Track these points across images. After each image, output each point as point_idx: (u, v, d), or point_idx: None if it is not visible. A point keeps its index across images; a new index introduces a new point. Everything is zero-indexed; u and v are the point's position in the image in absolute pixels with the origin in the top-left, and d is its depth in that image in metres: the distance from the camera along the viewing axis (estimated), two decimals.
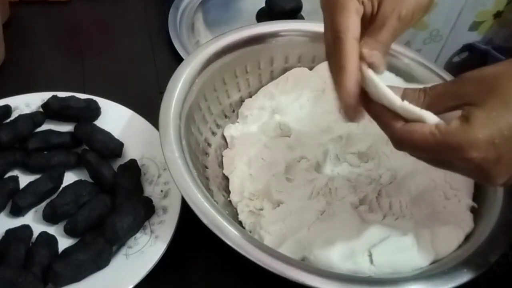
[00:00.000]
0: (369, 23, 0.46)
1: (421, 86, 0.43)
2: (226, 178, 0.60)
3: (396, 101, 0.40)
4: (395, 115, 0.41)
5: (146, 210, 0.55)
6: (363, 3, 0.45)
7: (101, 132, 0.61)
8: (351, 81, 0.42)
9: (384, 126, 0.42)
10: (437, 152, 0.40)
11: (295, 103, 0.63)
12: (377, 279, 0.50)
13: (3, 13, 0.75)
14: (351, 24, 0.44)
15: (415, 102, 0.41)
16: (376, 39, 0.44)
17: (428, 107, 0.41)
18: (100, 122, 0.63)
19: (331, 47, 0.44)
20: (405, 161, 0.58)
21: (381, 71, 0.43)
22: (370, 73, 0.42)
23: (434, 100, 0.41)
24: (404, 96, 0.41)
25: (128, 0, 0.85)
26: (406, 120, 0.41)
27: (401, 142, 0.41)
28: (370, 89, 0.42)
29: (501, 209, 0.54)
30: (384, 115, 0.42)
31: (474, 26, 0.88)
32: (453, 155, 0.39)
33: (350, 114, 0.43)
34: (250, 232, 0.55)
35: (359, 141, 0.60)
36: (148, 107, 0.63)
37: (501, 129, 0.38)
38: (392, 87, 0.42)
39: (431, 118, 0.40)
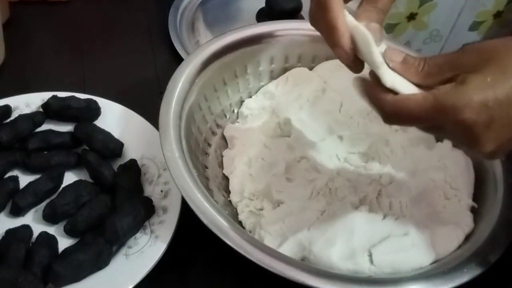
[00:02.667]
0: None
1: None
2: (226, 178, 0.60)
3: (386, 78, 0.41)
4: (385, 89, 0.41)
5: (146, 210, 0.55)
6: None
7: (101, 132, 0.61)
8: (345, 39, 0.43)
9: (374, 101, 0.42)
10: (430, 116, 0.40)
11: (295, 103, 0.63)
12: (377, 279, 0.50)
13: (3, 13, 0.75)
14: None
15: (414, 69, 0.42)
16: (375, 5, 0.45)
17: (426, 76, 0.41)
18: (100, 122, 0.63)
19: (317, 5, 0.45)
20: (405, 161, 0.59)
21: (379, 44, 0.43)
22: (367, 36, 0.42)
23: (433, 70, 0.41)
24: (404, 62, 0.42)
25: (128, 0, 0.85)
26: (395, 93, 0.41)
27: (394, 113, 0.41)
28: (364, 53, 0.43)
29: (501, 209, 0.54)
30: (374, 91, 0.42)
31: (474, 26, 0.88)
32: (445, 117, 0.39)
33: (351, 68, 0.45)
34: (250, 232, 0.55)
35: (359, 141, 0.60)
36: (148, 107, 0.63)
37: (496, 94, 0.38)
38: (392, 50, 0.42)
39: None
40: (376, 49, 0.42)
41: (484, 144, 0.39)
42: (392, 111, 0.41)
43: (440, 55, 0.42)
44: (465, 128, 0.39)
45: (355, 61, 0.44)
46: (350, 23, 0.44)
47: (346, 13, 0.44)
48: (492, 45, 0.40)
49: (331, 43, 0.44)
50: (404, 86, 0.41)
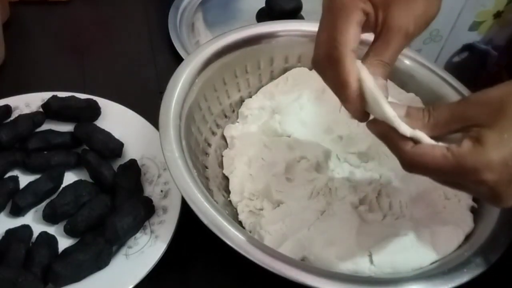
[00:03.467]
0: (372, 31, 0.45)
1: (421, 106, 0.43)
2: (226, 178, 0.60)
3: (404, 129, 0.40)
4: (403, 136, 0.40)
5: (146, 210, 0.55)
6: (367, 14, 0.44)
7: (101, 132, 0.61)
8: (357, 96, 0.42)
9: (393, 147, 0.42)
10: (450, 175, 0.39)
11: (295, 103, 0.63)
12: (377, 279, 0.50)
13: (3, 13, 0.75)
14: (352, 36, 0.43)
15: (420, 121, 0.41)
16: (381, 59, 0.43)
17: (433, 128, 0.40)
18: (100, 122, 0.63)
19: (326, 53, 0.43)
20: None
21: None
22: (376, 94, 0.41)
23: (440, 122, 0.41)
24: (407, 115, 0.41)
25: (128, 0, 0.85)
26: (415, 141, 0.40)
27: (412, 165, 0.41)
28: (373, 108, 0.42)
29: (501, 209, 0.54)
30: (392, 136, 0.41)
31: (474, 26, 0.88)
32: (466, 178, 0.39)
33: (358, 119, 0.44)
34: (250, 232, 0.55)
35: (359, 141, 0.60)
36: (148, 107, 0.63)
37: None
38: (394, 105, 0.41)
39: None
40: (387, 104, 0.41)
41: (507, 200, 0.39)
42: (411, 163, 0.40)
43: (445, 107, 0.41)
44: (488, 188, 0.38)
45: (364, 115, 0.43)
46: (362, 78, 0.42)
47: (358, 62, 0.43)
48: (497, 95, 0.39)
49: (341, 97, 0.43)
50: (425, 135, 0.40)
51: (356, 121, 0.61)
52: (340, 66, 0.42)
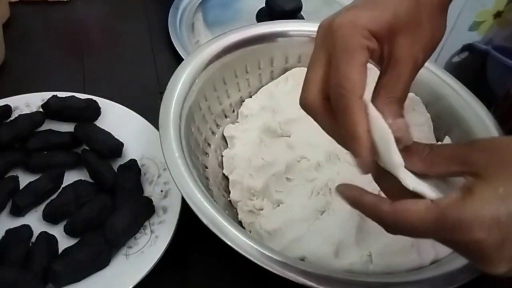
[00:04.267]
0: (377, 65, 0.41)
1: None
2: (226, 178, 0.60)
3: (408, 181, 0.38)
4: (380, 198, 0.38)
5: (146, 210, 0.55)
6: (372, 51, 0.40)
7: (101, 132, 0.61)
8: (368, 150, 0.38)
9: (369, 211, 0.39)
10: (434, 231, 0.36)
11: (295, 103, 0.63)
12: (376, 279, 0.50)
13: (3, 13, 0.75)
14: (360, 82, 0.38)
15: (417, 156, 0.38)
16: (394, 95, 0.40)
17: (430, 165, 0.38)
18: (100, 122, 0.63)
19: (322, 98, 0.40)
20: None
21: (409, 143, 0.39)
22: (390, 137, 0.38)
23: (438, 160, 0.38)
24: (408, 149, 0.39)
25: (128, 0, 0.85)
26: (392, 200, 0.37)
27: (396, 224, 0.37)
28: (379, 150, 0.39)
29: None
30: (366, 199, 0.38)
31: (474, 26, 0.88)
32: (451, 233, 0.35)
33: (366, 172, 0.40)
34: (250, 232, 0.55)
35: None
36: (148, 107, 0.63)
37: (509, 208, 0.33)
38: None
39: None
40: (396, 149, 0.38)
41: (496, 265, 0.35)
42: (394, 221, 0.37)
43: (448, 146, 0.39)
44: (475, 247, 0.34)
45: (372, 167, 0.39)
46: (371, 116, 0.38)
47: (368, 104, 0.38)
48: (505, 145, 0.36)
49: (351, 150, 0.39)
50: (429, 189, 0.37)
51: None
52: (349, 117, 0.38)
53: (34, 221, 0.56)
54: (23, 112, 0.62)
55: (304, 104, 0.41)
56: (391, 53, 0.41)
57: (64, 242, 0.54)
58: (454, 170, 0.37)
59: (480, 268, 0.36)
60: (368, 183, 0.57)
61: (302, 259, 0.51)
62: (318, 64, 0.40)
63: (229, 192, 0.58)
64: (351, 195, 0.40)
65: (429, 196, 0.37)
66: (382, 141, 0.38)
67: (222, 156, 0.61)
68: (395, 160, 0.38)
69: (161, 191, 0.58)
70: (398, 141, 0.38)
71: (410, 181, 0.38)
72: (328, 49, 0.39)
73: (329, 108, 0.40)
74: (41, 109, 0.63)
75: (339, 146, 0.60)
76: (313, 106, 0.40)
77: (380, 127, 0.38)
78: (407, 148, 0.39)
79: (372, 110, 0.38)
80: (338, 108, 0.38)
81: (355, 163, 0.39)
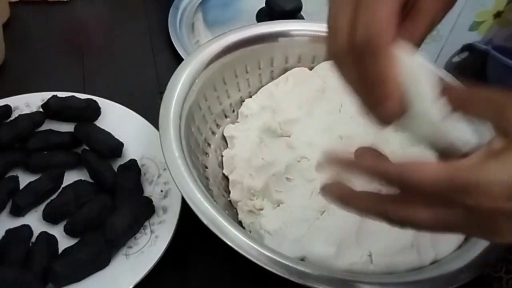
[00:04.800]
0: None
1: None
2: (226, 178, 0.60)
3: (433, 112, 0.35)
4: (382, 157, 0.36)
5: (146, 210, 0.55)
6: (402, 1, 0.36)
7: (101, 132, 0.61)
8: (400, 93, 0.35)
9: (371, 169, 0.36)
10: (447, 191, 0.33)
11: (295, 103, 0.63)
12: (377, 279, 0.50)
13: (3, 13, 0.75)
14: (390, 25, 0.35)
15: (451, 92, 0.36)
16: (412, 40, 0.38)
17: (463, 102, 0.35)
18: (100, 122, 0.63)
19: (352, 43, 0.36)
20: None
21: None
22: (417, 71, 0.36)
23: (473, 98, 0.35)
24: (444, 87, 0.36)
25: (128, 0, 0.85)
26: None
27: (400, 181, 0.35)
28: (410, 90, 0.36)
29: None
30: (370, 155, 0.36)
31: (474, 26, 0.88)
32: (465, 196, 0.32)
33: (395, 116, 0.37)
34: (250, 232, 0.55)
35: (359, 141, 0.60)
36: (148, 107, 0.63)
37: None
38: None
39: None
40: (428, 84, 0.35)
41: (505, 235, 0.33)
42: (398, 178, 0.35)
43: (487, 88, 0.36)
44: (487, 214, 0.32)
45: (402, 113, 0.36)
46: (404, 61, 0.36)
47: (401, 49, 0.36)
48: None
49: (379, 96, 0.35)
50: (469, 132, 0.35)
51: (356, 121, 0.62)
52: (378, 61, 0.35)
53: (34, 221, 0.56)
54: (23, 112, 0.62)
55: (331, 51, 0.38)
56: (414, 3, 0.39)
57: (64, 242, 0.54)
58: (485, 116, 0.35)
59: (483, 237, 0.35)
60: (368, 183, 0.57)
61: (302, 259, 0.51)
62: (345, 7, 0.37)
63: (229, 192, 0.58)
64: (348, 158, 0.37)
65: (468, 140, 0.34)
66: (417, 85, 0.35)
67: (222, 156, 0.61)
68: (427, 95, 0.35)
69: (161, 191, 0.58)
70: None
71: (437, 115, 0.35)
72: None
73: (357, 56, 0.36)
74: (41, 109, 0.63)
75: (339, 146, 0.60)
76: (341, 53, 0.37)
77: (416, 70, 0.36)
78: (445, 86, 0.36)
79: (406, 53, 0.36)
80: (366, 52, 0.35)
81: (377, 116, 0.36)
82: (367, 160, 0.37)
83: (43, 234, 0.53)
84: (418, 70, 0.36)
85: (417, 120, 0.36)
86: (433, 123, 0.36)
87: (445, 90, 0.36)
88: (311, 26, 0.67)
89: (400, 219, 0.36)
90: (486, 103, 0.35)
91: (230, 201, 0.58)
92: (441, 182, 0.33)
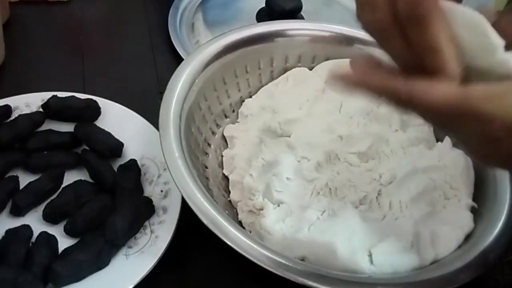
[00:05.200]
0: None
1: None
2: (226, 178, 0.60)
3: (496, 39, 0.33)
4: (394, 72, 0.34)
5: (146, 210, 0.55)
6: None
7: (101, 132, 0.61)
8: (454, 61, 0.33)
9: (383, 87, 0.35)
10: (458, 112, 0.32)
11: (295, 103, 0.63)
12: (377, 279, 0.50)
13: (3, 13, 0.75)
14: None
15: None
16: None
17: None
18: (100, 122, 0.63)
19: (394, 13, 0.33)
20: (405, 161, 0.58)
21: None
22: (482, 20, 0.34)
23: None
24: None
25: (128, 0, 0.85)
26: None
27: (409, 99, 0.33)
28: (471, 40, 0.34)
29: (507, 210, 0.54)
30: (376, 75, 0.35)
31: None
32: (473, 121, 0.32)
33: (455, 75, 0.34)
34: (250, 232, 0.55)
35: (359, 141, 0.60)
36: (148, 107, 0.63)
37: None
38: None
39: None
40: (493, 30, 0.33)
41: (509, 164, 0.33)
42: (407, 96, 0.33)
43: None
44: (498, 142, 0.32)
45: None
46: (453, 9, 0.34)
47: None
48: None
49: (434, 66, 0.34)
50: None
51: (356, 121, 0.62)
52: (427, 29, 0.33)
53: (34, 221, 0.56)
54: (23, 112, 0.62)
55: (374, 26, 0.35)
56: None
57: (64, 242, 0.54)
58: None
59: (485, 163, 0.34)
60: (368, 183, 0.57)
61: (302, 259, 0.51)
62: None
63: (229, 192, 0.58)
64: (356, 80, 0.35)
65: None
66: (473, 31, 0.34)
67: (222, 156, 0.61)
68: (494, 41, 0.33)
69: (161, 191, 0.58)
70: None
71: (499, 40, 0.33)
72: None
73: (403, 26, 0.34)
74: (41, 109, 0.63)
75: (339, 146, 0.60)
76: (384, 26, 0.35)
77: (469, 16, 0.34)
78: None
79: (451, 3, 0.34)
80: (413, 19, 0.33)
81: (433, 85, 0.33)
82: (376, 77, 0.35)
83: (43, 234, 0.53)
84: (476, 19, 0.34)
85: (483, 70, 0.35)
86: (496, 51, 0.34)
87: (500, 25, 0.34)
88: (311, 26, 0.67)
89: (411, 96, 0.34)
90: None
91: (230, 201, 0.58)
92: (451, 104, 0.32)
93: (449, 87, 0.33)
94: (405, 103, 0.34)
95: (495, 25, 0.34)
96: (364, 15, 0.36)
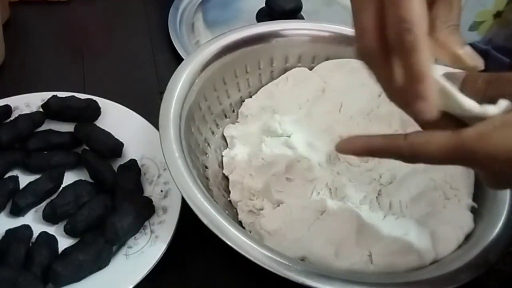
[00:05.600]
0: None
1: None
2: (226, 178, 0.60)
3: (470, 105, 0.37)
4: (390, 136, 0.38)
5: (146, 210, 0.55)
6: None
7: (101, 132, 0.61)
8: (434, 92, 0.35)
9: (384, 150, 0.38)
10: (453, 160, 0.36)
11: (295, 103, 0.63)
12: (377, 279, 0.50)
13: (3, 13, 0.75)
14: (424, 15, 0.34)
15: (471, 83, 0.37)
16: (452, 23, 0.37)
17: (488, 86, 0.37)
18: (100, 122, 0.63)
19: (382, 41, 0.35)
20: None
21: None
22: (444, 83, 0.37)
23: (497, 81, 0.37)
24: (464, 81, 0.38)
25: (128, 0, 0.85)
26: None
27: (413, 157, 0.37)
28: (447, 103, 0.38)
29: (507, 210, 0.53)
30: (377, 142, 0.38)
31: (474, 26, 0.87)
32: (472, 161, 0.36)
33: (432, 116, 0.36)
34: (250, 232, 0.55)
35: None
36: (148, 107, 0.63)
37: None
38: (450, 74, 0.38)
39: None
40: (461, 95, 0.37)
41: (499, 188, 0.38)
42: (410, 155, 0.37)
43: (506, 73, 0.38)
44: (496, 176, 0.36)
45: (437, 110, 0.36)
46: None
47: None
48: None
49: (420, 93, 0.35)
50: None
51: (356, 121, 0.62)
52: (416, 55, 0.34)
53: (34, 221, 0.56)
54: (23, 112, 0.62)
55: (362, 52, 0.37)
56: None
57: (64, 242, 0.54)
58: (491, 95, 0.37)
59: (496, 189, 0.40)
60: (368, 183, 0.57)
61: (302, 259, 0.51)
62: (368, 4, 0.36)
63: (229, 192, 0.58)
64: (362, 147, 0.39)
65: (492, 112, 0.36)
66: (447, 99, 0.37)
67: (222, 156, 0.61)
68: (467, 106, 0.37)
69: (161, 191, 0.58)
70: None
71: (494, 111, 0.36)
72: None
73: (387, 53, 0.36)
74: (41, 109, 0.63)
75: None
76: (373, 52, 0.37)
77: (441, 86, 0.37)
78: (465, 81, 0.38)
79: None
80: (403, 47, 0.34)
81: (420, 108, 0.35)
82: (378, 140, 0.38)
83: (43, 234, 0.53)
84: (447, 90, 0.37)
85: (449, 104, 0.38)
86: (462, 108, 0.37)
87: (465, 81, 0.38)
88: (311, 26, 0.67)
89: (413, 152, 0.37)
90: (490, 86, 0.37)
91: (230, 201, 0.58)
92: (449, 152, 0.35)
93: (443, 136, 0.36)
94: (409, 158, 0.37)
95: (469, 85, 0.38)
96: (357, 40, 0.37)
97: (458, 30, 0.38)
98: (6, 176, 0.58)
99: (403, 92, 0.36)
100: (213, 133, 0.62)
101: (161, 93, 0.57)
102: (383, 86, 0.38)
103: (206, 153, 0.60)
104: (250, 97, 0.66)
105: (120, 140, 0.61)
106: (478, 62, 0.38)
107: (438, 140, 0.36)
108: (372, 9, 0.36)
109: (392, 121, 0.62)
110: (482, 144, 0.34)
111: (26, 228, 0.53)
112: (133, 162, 0.60)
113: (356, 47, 0.38)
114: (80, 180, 0.58)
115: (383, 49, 0.36)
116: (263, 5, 0.80)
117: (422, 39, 0.34)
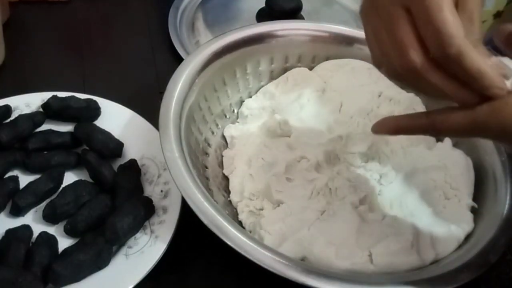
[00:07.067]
0: None
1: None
2: (226, 178, 0.60)
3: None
4: (414, 115, 0.44)
5: (146, 210, 0.55)
6: None
7: (101, 132, 0.61)
8: (498, 76, 0.37)
9: (411, 129, 0.43)
10: (471, 133, 0.40)
11: (295, 103, 0.63)
12: (377, 279, 0.50)
13: (3, 13, 0.75)
14: (459, 22, 0.36)
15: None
16: (476, 37, 0.38)
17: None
18: (100, 122, 0.63)
19: (426, 56, 0.37)
20: (405, 161, 0.59)
21: None
22: None
23: None
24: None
25: (128, 0, 0.85)
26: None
27: (438, 132, 0.42)
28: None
29: (507, 210, 0.54)
30: (404, 121, 0.44)
31: None
32: (487, 133, 0.40)
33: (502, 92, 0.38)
34: (250, 232, 0.55)
35: (359, 141, 0.60)
36: (148, 107, 0.63)
37: None
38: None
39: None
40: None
41: None
42: (434, 131, 0.42)
43: None
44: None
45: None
46: None
47: None
48: None
49: (484, 87, 0.37)
50: None
51: (356, 121, 0.62)
52: (465, 60, 0.36)
53: (34, 221, 0.56)
54: (23, 112, 0.62)
55: (406, 68, 0.38)
56: None
57: (64, 242, 0.54)
58: None
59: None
60: (368, 183, 0.57)
61: (302, 259, 0.51)
62: (401, 21, 0.37)
63: (229, 192, 0.58)
64: (392, 127, 0.44)
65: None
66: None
67: (222, 156, 0.61)
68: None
69: (161, 191, 0.58)
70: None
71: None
72: (405, 3, 0.37)
73: (437, 63, 0.37)
74: (41, 109, 0.63)
75: (339, 146, 0.60)
76: (423, 67, 0.37)
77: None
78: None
79: None
80: (450, 57, 0.36)
81: (494, 93, 0.37)
82: (405, 120, 0.43)
83: (43, 234, 0.53)
84: None
85: None
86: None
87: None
88: (311, 26, 0.67)
89: (435, 128, 0.41)
90: None
91: (230, 201, 0.58)
92: (466, 126, 0.39)
93: (460, 112, 0.39)
94: (433, 133, 0.43)
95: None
96: (400, 59, 0.38)
97: (480, 43, 0.39)
98: (6, 176, 0.58)
99: (464, 91, 0.38)
100: (213, 133, 0.62)
101: (161, 93, 0.57)
102: (438, 94, 0.39)
103: (206, 153, 0.60)
104: (250, 97, 0.66)
105: (120, 140, 0.61)
106: (507, 71, 0.39)
107: (456, 116, 0.39)
108: (407, 24, 0.37)
109: None
110: (493, 117, 0.38)
111: (26, 228, 0.53)
112: (133, 162, 0.60)
113: (395, 64, 0.38)
114: (80, 180, 0.58)
115: (429, 61, 0.37)
116: (263, 5, 0.80)
117: (464, 43, 0.36)
